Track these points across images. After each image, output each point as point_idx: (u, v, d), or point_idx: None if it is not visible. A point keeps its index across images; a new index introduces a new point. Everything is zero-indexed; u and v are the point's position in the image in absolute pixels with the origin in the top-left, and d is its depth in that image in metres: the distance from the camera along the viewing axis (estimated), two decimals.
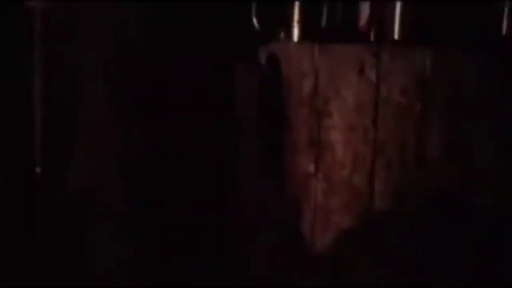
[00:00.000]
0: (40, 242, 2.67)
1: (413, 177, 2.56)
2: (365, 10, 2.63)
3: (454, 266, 2.54)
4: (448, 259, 2.54)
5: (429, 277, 2.54)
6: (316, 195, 2.61)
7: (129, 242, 2.69)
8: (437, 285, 2.55)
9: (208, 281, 2.63)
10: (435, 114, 2.53)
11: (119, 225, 2.69)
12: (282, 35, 2.68)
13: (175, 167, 2.68)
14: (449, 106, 2.53)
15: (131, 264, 2.70)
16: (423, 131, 2.53)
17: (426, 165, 2.54)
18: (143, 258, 2.70)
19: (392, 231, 2.56)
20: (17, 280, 2.60)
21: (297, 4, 2.64)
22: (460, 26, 2.56)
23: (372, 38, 2.66)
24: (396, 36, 2.61)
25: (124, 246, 2.69)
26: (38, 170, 2.70)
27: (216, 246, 2.69)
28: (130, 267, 2.69)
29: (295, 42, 2.65)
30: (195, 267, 2.66)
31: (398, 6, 2.59)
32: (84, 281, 2.67)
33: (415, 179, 2.55)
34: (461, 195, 2.54)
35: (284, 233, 2.64)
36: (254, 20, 2.68)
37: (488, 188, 2.54)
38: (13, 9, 2.62)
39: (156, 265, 2.69)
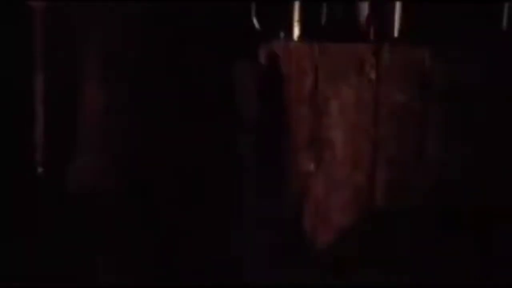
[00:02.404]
0: (40, 242, 2.67)
1: (413, 175, 2.55)
2: (364, 9, 2.64)
3: (455, 266, 2.52)
4: (449, 259, 2.53)
5: (429, 277, 2.53)
6: (317, 193, 2.60)
7: (129, 242, 2.69)
8: (438, 285, 2.53)
9: (208, 281, 2.63)
10: (435, 112, 2.52)
11: (119, 225, 2.69)
12: (282, 34, 2.69)
13: (175, 166, 2.68)
14: (449, 104, 2.52)
15: (131, 264, 2.69)
16: (423, 129, 2.53)
17: (426, 163, 2.54)
18: (143, 258, 2.69)
19: (392, 230, 2.55)
20: (17, 280, 2.59)
21: (297, 3, 2.65)
22: (459, 24, 2.56)
23: (371, 36, 2.66)
24: (395, 35, 2.61)
25: (124, 246, 2.69)
26: (39, 170, 2.70)
27: (216, 246, 2.68)
28: (130, 267, 2.69)
29: (295, 41, 2.66)
30: (195, 267, 2.65)
31: (398, 5, 2.60)
32: (84, 281, 2.66)
33: (415, 178, 2.54)
34: (461, 194, 2.53)
35: (284, 232, 2.64)
36: (254, 20, 2.69)
37: (488, 187, 2.53)
38: (15, 9, 2.63)
39: (156, 264, 2.68)
